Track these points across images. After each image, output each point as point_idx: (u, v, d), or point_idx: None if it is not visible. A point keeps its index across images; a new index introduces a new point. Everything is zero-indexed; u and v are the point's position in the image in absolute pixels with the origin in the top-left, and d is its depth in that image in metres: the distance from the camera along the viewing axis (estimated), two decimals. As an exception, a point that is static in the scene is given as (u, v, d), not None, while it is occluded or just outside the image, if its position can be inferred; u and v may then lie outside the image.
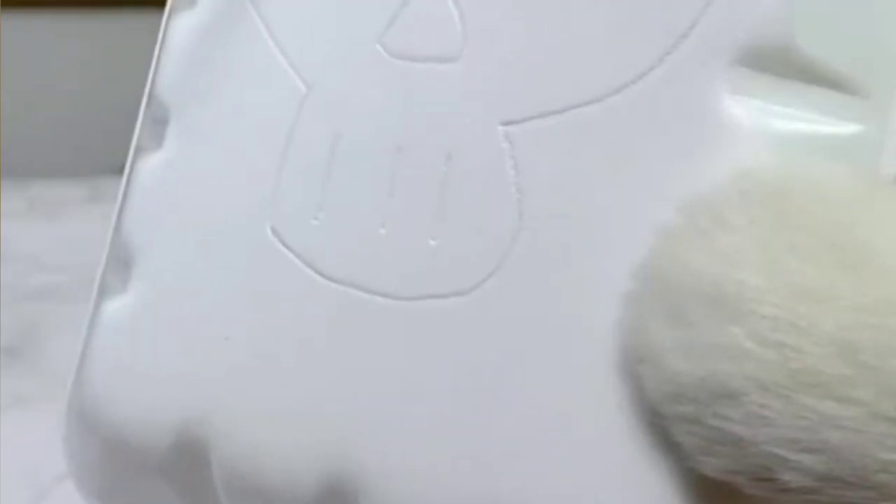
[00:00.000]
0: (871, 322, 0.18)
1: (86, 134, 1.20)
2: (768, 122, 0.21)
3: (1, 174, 0.66)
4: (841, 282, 0.19)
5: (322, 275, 0.25)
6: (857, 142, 0.21)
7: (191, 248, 0.28)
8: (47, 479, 0.37)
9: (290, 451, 0.25)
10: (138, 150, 0.30)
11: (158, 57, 0.30)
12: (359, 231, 0.25)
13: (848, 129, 0.21)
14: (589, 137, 0.23)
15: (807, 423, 0.18)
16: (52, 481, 0.37)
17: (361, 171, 0.26)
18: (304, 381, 0.25)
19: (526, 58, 0.24)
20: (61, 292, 0.54)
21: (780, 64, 0.22)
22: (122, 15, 1.25)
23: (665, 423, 0.20)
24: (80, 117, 1.23)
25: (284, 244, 0.26)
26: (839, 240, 0.19)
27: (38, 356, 0.47)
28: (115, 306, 0.29)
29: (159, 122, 0.29)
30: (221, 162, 0.28)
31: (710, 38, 0.22)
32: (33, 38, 1.23)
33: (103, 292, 0.29)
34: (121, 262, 0.29)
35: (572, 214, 0.23)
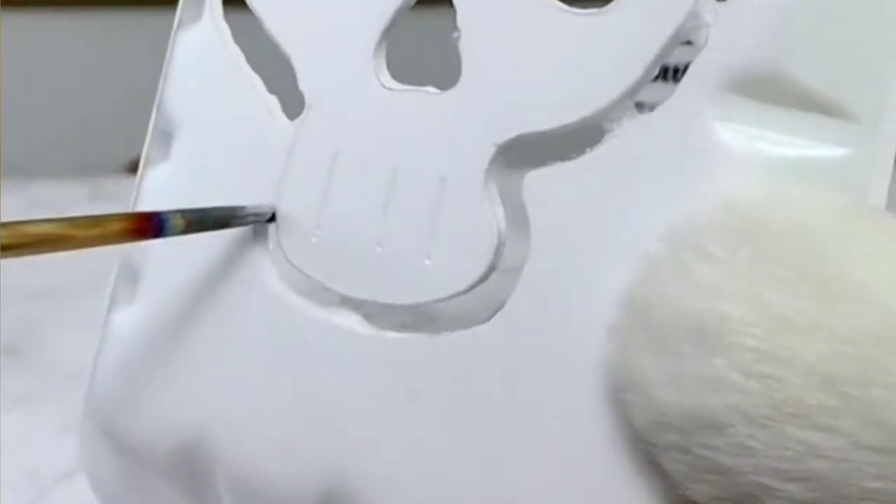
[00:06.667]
0: (851, 352, 0.18)
1: (86, 134, 1.20)
2: (759, 148, 0.22)
3: (1, 174, 0.66)
4: (821, 313, 0.19)
5: None
6: (847, 166, 0.21)
7: (193, 261, 0.28)
8: (47, 479, 0.37)
9: (289, 467, 0.26)
10: (147, 162, 0.30)
11: (166, 70, 0.30)
12: (355, 249, 0.26)
13: (839, 153, 0.21)
14: (581, 160, 0.23)
15: (791, 453, 0.18)
16: (52, 481, 0.37)
17: (358, 190, 0.26)
18: (301, 396, 0.26)
19: (520, 81, 0.24)
20: (61, 292, 0.54)
21: (771, 90, 0.22)
22: (122, 15, 1.25)
23: (653, 451, 0.20)
24: (81, 117, 1.23)
25: (285, 259, 0.27)
26: (819, 272, 0.19)
27: (38, 356, 0.47)
28: (122, 317, 0.29)
29: (166, 135, 0.30)
30: (224, 177, 0.28)
31: (700, 65, 0.22)
32: (33, 38, 1.23)
33: (113, 303, 0.30)
34: (129, 274, 0.30)
35: (563, 239, 0.23)
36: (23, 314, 0.51)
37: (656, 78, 0.24)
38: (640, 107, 0.23)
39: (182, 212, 0.25)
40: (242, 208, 0.26)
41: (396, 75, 0.27)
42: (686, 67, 0.23)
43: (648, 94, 0.24)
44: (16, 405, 0.43)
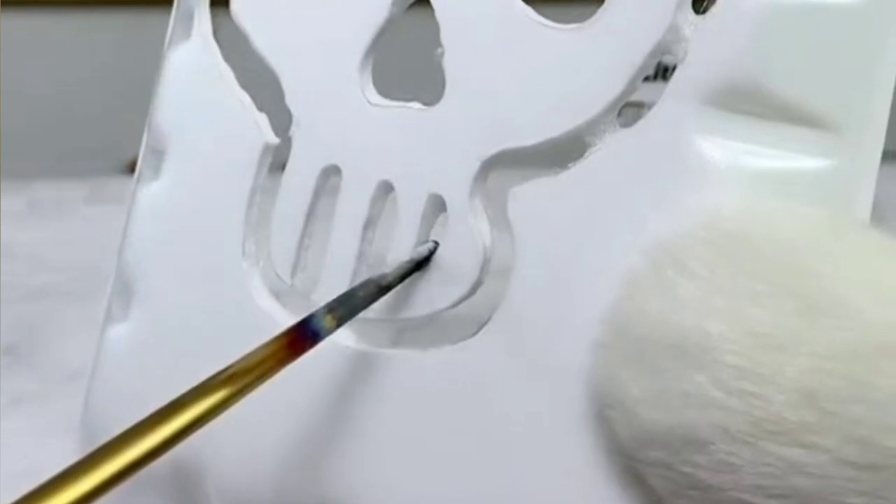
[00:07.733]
0: (830, 369, 0.18)
1: (86, 134, 1.20)
2: (741, 161, 0.22)
3: (1, 174, 0.66)
4: (801, 329, 0.19)
5: None
6: (831, 178, 0.21)
7: (186, 277, 0.28)
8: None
9: (282, 481, 0.26)
10: (140, 178, 0.30)
11: (158, 87, 0.30)
12: (345, 265, 0.26)
13: (822, 164, 0.21)
14: (564, 175, 0.24)
15: (773, 469, 0.19)
16: (51, 482, 0.37)
17: (347, 206, 0.26)
18: (294, 410, 0.26)
19: (503, 97, 0.24)
20: (61, 292, 0.53)
21: (751, 103, 0.22)
22: (123, 15, 1.26)
23: (637, 466, 0.21)
24: (80, 117, 1.23)
25: (276, 276, 0.27)
26: (800, 286, 0.19)
27: (38, 356, 0.47)
28: (116, 333, 0.30)
29: (157, 152, 0.30)
30: (215, 193, 0.28)
31: (680, 80, 0.22)
32: (33, 38, 1.23)
33: (108, 319, 0.30)
34: (123, 289, 0.30)
35: (546, 253, 0.23)
36: (23, 314, 0.51)
37: (654, 77, 0.24)
38: (639, 106, 0.24)
39: (329, 309, 0.24)
40: (384, 276, 0.25)
41: (383, 80, 0.27)
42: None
43: (644, 93, 0.24)
44: (16, 405, 0.43)
